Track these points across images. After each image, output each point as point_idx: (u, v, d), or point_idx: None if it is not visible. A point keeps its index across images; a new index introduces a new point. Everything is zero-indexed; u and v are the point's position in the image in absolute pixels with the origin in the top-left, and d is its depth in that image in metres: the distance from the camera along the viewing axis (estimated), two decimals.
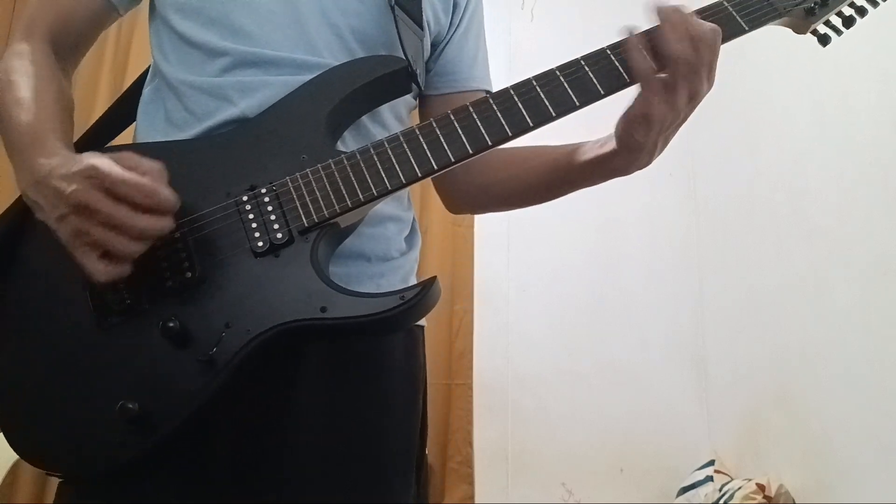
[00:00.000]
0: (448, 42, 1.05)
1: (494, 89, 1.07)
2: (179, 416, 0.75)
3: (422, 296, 0.77)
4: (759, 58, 2.25)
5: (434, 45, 1.04)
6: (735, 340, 2.60)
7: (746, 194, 2.54)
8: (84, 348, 0.79)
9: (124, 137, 1.02)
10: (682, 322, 2.84)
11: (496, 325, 2.79)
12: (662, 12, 0.80)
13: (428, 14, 0.99)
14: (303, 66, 0.90)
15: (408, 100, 1.01)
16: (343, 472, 0.86)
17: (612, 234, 2.90)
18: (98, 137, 1.01)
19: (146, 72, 1.03)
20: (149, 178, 0.75)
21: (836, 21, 0.91)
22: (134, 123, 1.00)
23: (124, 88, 3.00)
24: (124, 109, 1.03)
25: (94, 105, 2.64)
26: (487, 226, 2.84)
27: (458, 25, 1.06)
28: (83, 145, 0.94)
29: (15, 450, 0.78)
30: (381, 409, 0.91)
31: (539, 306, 2.85)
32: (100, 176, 0.72)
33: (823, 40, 0.92)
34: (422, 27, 0.97)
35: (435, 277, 0.79)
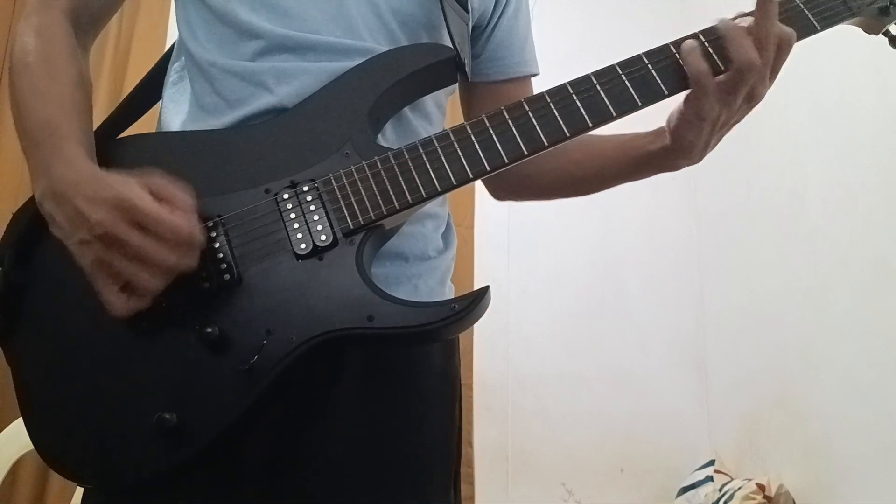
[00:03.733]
0: (497, 25, 1.00)
1: None
2: (217, 427, 0.71)
3: (473, 307, 0.73)
4: None
5: (475, 29, 0.98)
6: (735, 341, 2.60)
7: (746, 196, 2.55)
8: (117, 354, 0.75)
9: (147, 121, 0.98)
10: (683, 323, 2.84)
11: (496, 326, 2.78)
12: (762, 6, 0.77)
13: None
14: (342, 51, 0.85)
15: (450, 87, 0.96)
16: (381, 476, 0.83)
17: (613, 236, 2.90)
18: (122, 119, 0.96)
19: (171, 49, 0.97)
20: (181, 211, 0.71)
21: None
22: (159, 103, 0.95)
23: (125, 85, 2.97)
24: (149, 88, 0.97)
25: (94, 102, 2.63)
26: (488, 226, 2.84)
27: (504, 7, 1.00)
28: (106, 130, 0.90)
29: (46, 461, 0.74)
30: (420, 414, 0.87)
31: (539, 307, 2.85)
32: (131, 210, 0.68)
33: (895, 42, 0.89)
34: (467, 10, 0.92)
35: (487, 287, 0.75)
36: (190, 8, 0.91)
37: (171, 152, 0.82)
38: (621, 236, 2.90)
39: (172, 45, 0.97)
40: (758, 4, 0.78)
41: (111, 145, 0.83)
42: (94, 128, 0.83)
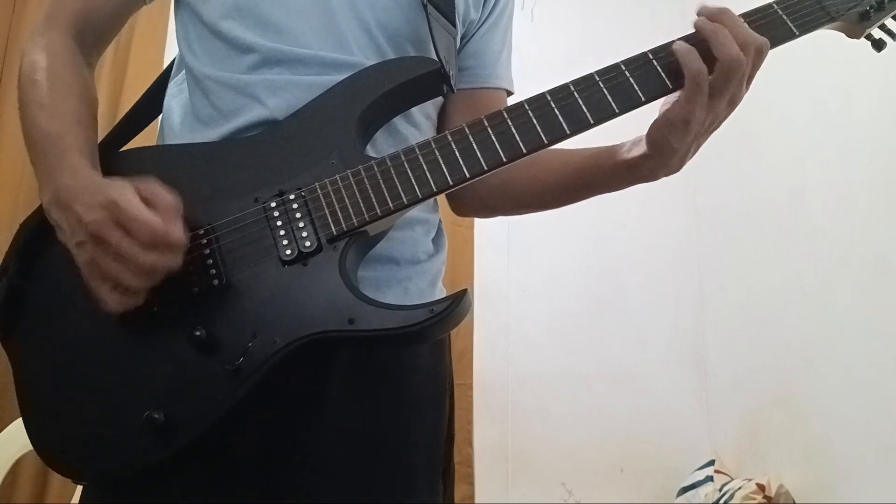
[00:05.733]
0: (473, 36, 1.02)
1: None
2: (203, 424, 0.74)
3: (451, 309, 0.75)
4: None
5: (462, 40, 1.00)
6: (735, 340, 2.60)
7: (746, 194, 2.55)
8: (109, 353, 0.78)
9: (148, 134, 1.01)
10: (682, 322, 2.84)
11: (496, 326, 2.79)
12: (716, 16, 0.78)
13: (460, 10, 0.96)
14: (331, 65, 0.88)
15: (437, 98, 0.98)
16: (369, 475, 0.85)
17: (613, 235, 2.90)
18: (124, 133, 0.99)
19: (171, 64, 1.01)
20: (164, 214, 0.73)
21: (893, 25, 0.88)
22: (160, 117, 0.98)
23: (124, 89, 2.97)
24: (150, 103, 1.01)
25: None
26: (488, 226, 2.84)
27: (484, 21, 1.02)
28: (110, 142, 0.94)
29: (43, 458, 0.78)
30: (408, 414, 0.89)
31: (539, 306, 2.85)
32: (115, 209, 0.72)
33: (878, 45, 0.88)
34: (454, 24, 0.94)
35: (465, 290, 0.77)
36: (188, 26, 0.95)
37: (167, 164, 0.86)
38: (620, 235, 2.90)
39: (172, 62, 1.01)
40: (718, 19, 0.78)
41: (113, 158, 0.86)
42: (98, 141, 0.87)
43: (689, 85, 0.77)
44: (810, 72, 2.14)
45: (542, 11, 2.88)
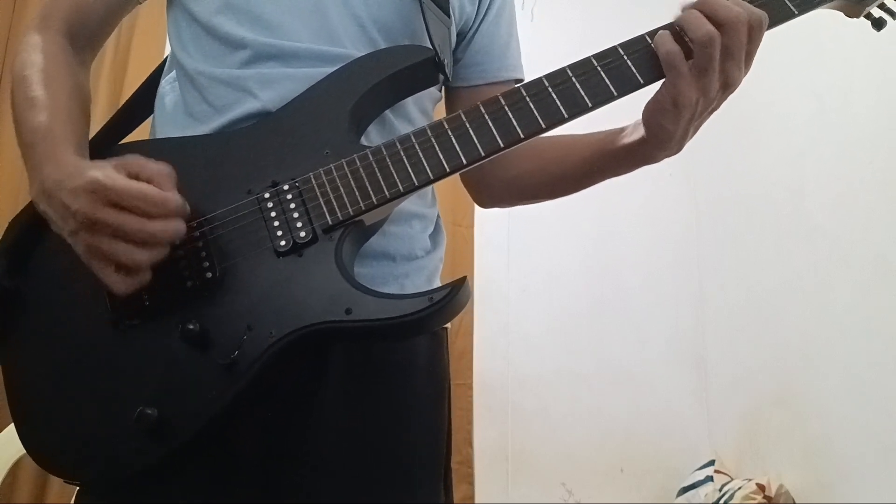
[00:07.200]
0: (477, 31, 1.01)
1: None
2: (198, 421, 0.73)
3: (450, 297, 0.73)
4: (758, 54, 2.23)
5: (461, 34, 1.00)
6: (735, 340, 2.60)
7: (746, 194, 2.54)
8: (101, 351, 0.77)
9: (142, 131, 1.01)
10: (682, 322, 2.83)
11: (496, 326, 2.79)
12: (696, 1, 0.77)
13: (454, 1, 0.96)
14: (324, 58, 0.87)
15: (433, 93, 0.98)
16: (370, 475, 0.84)
17: (612, 234, 2.90)
18: (115, 132, 0.98)
19: (163, 63, 1.01)
20: (155, 182, 0.72)
21: (892, 3, 0.86)
22: (151, 116, 0.98)
23: (124, 88, 2.97)
24: (141, 102, 1.00)
25: (94, 104, 2.63)
26: (488, 226, 2.84)
27: (486, 13, 1.02)
28: (100, 141, 0.93)
29: (37, 461, 0.76)
30: (407, 411, 0.88)
31: (539, 306, 2.85)
32: (102, 189, 0.70)
33: (878, 24, 0.86)
34: (448, 15, 0.94)
35: (465, 278, 0.75)
36: (181, 23, 0.95)
37: (159, 157, 0.83)
38: (620, 235, 2.90)
39: (164, 60, 1.01)
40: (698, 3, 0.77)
41: (104, 152, 0.85)
42: (90, 137, 0.86)
43: (666, 67, 0.77)
44: (809, 69, 2.14)
45: (542, 11, 2.88)
